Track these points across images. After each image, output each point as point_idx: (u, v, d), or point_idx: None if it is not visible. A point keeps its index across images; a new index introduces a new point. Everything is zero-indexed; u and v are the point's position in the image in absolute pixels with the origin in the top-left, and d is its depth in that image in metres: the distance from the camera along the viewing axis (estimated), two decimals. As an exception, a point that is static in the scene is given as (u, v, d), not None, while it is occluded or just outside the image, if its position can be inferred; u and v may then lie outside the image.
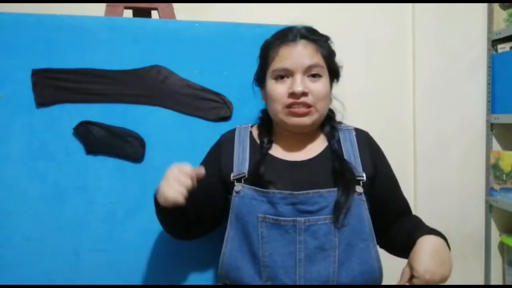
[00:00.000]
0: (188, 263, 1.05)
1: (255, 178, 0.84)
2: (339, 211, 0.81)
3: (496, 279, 1.68)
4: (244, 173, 0.86)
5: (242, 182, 0.85)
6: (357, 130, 0.95)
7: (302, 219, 0.80)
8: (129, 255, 1.01)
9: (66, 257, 0.98)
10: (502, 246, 1.68)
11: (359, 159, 0.88)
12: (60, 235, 0.97)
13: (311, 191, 0.82)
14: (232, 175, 0.86)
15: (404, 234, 0.86)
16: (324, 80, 0.86)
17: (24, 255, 0.95)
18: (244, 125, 0.97)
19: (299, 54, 0.84)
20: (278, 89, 0.85)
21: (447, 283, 0.77)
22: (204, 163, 0.94)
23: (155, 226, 1.02)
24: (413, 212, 0.98)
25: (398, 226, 0.92)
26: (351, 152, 0.89)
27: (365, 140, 0.93)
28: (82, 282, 0.98)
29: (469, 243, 1.69)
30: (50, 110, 0.97)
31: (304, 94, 0.83)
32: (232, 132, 0.95)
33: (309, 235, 0.80)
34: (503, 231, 1.68)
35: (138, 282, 1.02)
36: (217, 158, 0.91)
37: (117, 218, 1.01)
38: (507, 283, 1.65)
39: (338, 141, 0.91)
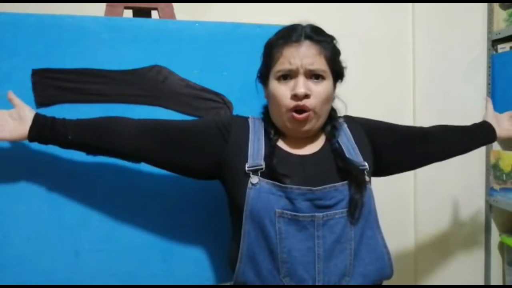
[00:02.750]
0: (188, 263, 1.05)
1: (271, 172, 0.83)
2: (355, 208, 0.82)
3: (496, 279, 1.68)
4: (261, 165, 0.84)
5: (259, 175, 0.84)
6: (346, 121, 0.97)
7: (321, 214, 0.81)
8: (129, 255, 1.01)
9: (66, 257, 0.98)
10: (502, 246, 1.68)
11: (357, 149, 0.90)
12: (60, 235, 0.97)
13: (327, 186, 0.82)
14: (247, 165, 0.85)
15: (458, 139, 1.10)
16: (327, 82, 0.87)
17: (24, 255, 0.95)
18: (256, 117, 0.96)
19: (302, 56, 0.84)
20: (281, 91, 0.85)
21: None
22: (208, 122, 0.93)
23: (155, 226, 1.03)
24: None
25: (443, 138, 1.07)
26: (348, 145, 0.90)
27: (354, 124, 0.96)
28: (82, 282, 0.98)
29: (469, 243, 1.69)
30: (50, 110, 0.97)
31: (306, 96, 0.84)
32: (245, 120, 0.94)
33: (327, 230, 0.81)
34: (503, 231, 1.68)
35: (138, 282, 1.02)
36: (227, 131, 0.89)
37: (117, 218, 1.01)
38: (507, 283, 1.65)
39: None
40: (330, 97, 0.89)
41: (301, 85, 0.83)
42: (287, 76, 0.85)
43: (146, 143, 0.88)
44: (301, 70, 0.84)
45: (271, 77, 0.88)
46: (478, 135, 1.14)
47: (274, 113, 0.89)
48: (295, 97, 0.84)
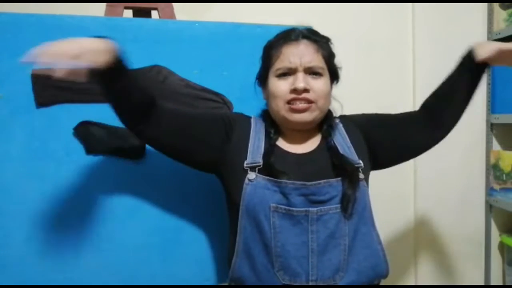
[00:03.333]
0: (188, 263, 1.05)
1: (268, 168, 0.85)
2: (347, 202, 0.83)
3: (496, 279, 1.68)
4: (259, 162, 0.86)
5: (256, 171, 0.86)
6: (341, 120, 0.98)
7: (315, 209, 0.82)
8: (129, 255, 1.01)
9: (66, 257, 0.98)
10: (502, 246, 1.68)
11: (352, 148, 0.92)
12: (60, 235, 0.97)
13: (322, 181, 0.84)
14: (245, 162, 0.87)
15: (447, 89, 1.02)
16: (325, 79, 0.89)
17: (24, 255, 0.95)
18: (258, 117, 0.98)
19: (301, 53, 0.87)
20: (280, 86, 0.88)
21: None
22: (216, 116, 0.94)
23: (155, 226, 1.03)
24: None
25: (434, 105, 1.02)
26: (343, 144, 0.92)
27: (349, 123, 0.97)
28: (82, 282, 0.98)
29: (469, 243, 1.69)
30: (50, 110, 0.97)
31: (306, 90, 0.86)
32: (248, 119, 0.96)
33: (321, 225, 0.82)
34: (503, 231, 1.67)
35: (138, 282, 1.02)
36: (231, 128, 0.91)
37: (117, 218, 1.01)
38: (507, 283, 1.65)
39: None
40: (329, 93, 0.91)
41: (301, 80, 0.86)
42: (286, 73, 0.88)
43: (164, 127, 0.88)
44: (300, 68, 0.86)
45: (271, 75, 0.90)
46: (463, 68, 1.02)
47: (273, 108, 0.91)
48: (294, 91, 0.86)
